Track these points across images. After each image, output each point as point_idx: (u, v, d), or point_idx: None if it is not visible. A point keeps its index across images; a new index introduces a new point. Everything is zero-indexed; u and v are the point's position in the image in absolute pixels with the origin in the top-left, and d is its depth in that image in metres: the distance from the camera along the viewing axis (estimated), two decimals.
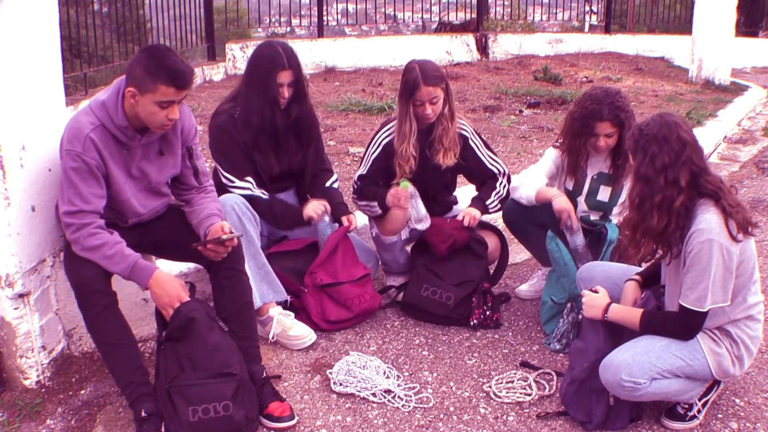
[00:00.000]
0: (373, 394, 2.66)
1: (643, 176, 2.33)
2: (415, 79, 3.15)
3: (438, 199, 3.52)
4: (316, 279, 3.11)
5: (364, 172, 3.38)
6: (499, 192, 3.40)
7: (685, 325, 2.37)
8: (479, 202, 3.36)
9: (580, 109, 3.09)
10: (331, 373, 2.75)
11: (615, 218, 3.20)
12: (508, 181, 3.43)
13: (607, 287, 2.65)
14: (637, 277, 2.65)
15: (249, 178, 3.13)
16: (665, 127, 2.34)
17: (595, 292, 2.59)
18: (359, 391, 2.67)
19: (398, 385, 2.72)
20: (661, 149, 2.31)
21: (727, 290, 2.30)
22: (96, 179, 2.41)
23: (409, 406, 2.62)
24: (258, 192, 3.13)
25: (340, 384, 2.70)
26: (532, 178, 3.22)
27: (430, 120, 3.24)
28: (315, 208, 3.17)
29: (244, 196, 3.05)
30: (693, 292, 2.29)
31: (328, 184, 3.38)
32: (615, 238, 3.09)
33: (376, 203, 3.32)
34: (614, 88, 3.12)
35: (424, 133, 3.30)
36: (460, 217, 3.29)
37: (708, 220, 2.27)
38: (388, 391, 2.68)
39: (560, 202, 3.07)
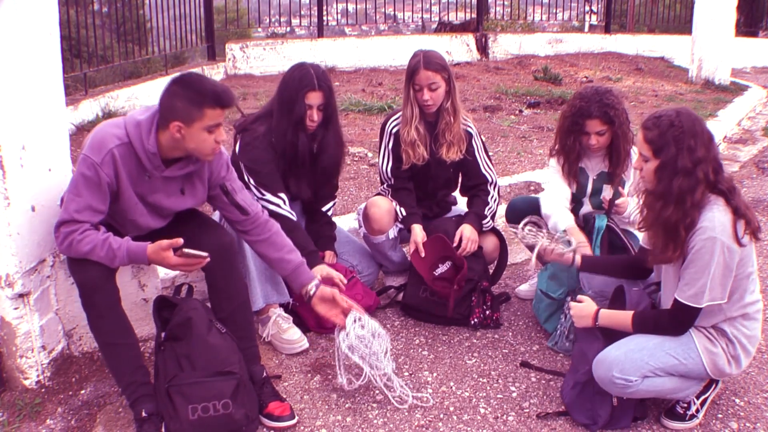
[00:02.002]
0: (375, 375, 2.60)
1: (683, 168, 2.27)
2: (416, 63, 3.19)
3: (438, 198, 3.52)
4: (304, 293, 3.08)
5: (391, 164, 3.36)
6: (491, 207, 3.40)
7: (677, 319, 2.37)
8: (476, 220, 3.33)
9: (570, 108, 3.11)
10: (342, 332, 2.62)
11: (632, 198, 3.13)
12: (498, 192, 3.45)
13: (609, 282, 2.69)
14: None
15: (282, 194, 3.06)
16: (696, 122, 2.31)
17: (579, 301, 2.60)
18: (363, 362, 2.60)
19: (397, 375, 2.70)
20: (696, 143, 2.28)
21: (725, 288, 2.31)
22: (101, 194, 2.37)
23: (405, 403, 2.61)
24: (286, 210, 3.05)
25: (349, 348, 2.60)
26: (560, 207, 3.13)
27: (430, 108, 3.24)
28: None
29: (270, 210, 2.94)
30: (691, 288, 2.29)
31: (325, 208, 3.36)
32: (603, 225, 3.11)
33: (404, 215, 3.33)
34: (605, 87, 3.13)
35: (431, 126, 3.31)
36: (456, 240, 3.23)
37: (712, 218, 2.27)
38: (390, 379, 2.64)
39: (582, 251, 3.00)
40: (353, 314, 2.67)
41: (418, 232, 3.25)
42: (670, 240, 2.34)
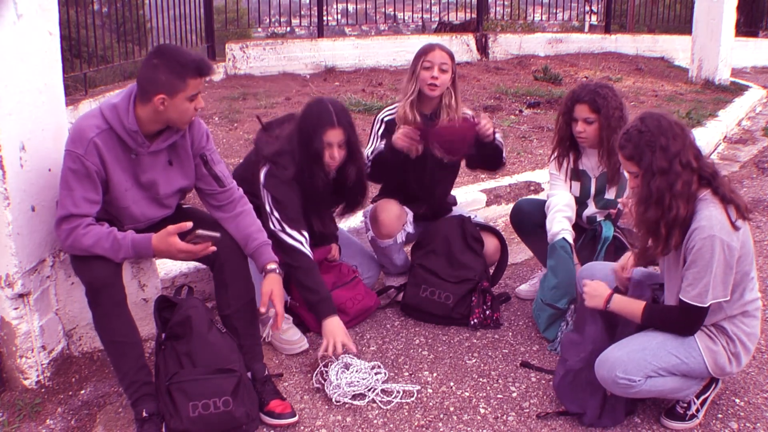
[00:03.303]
0: (375, 393, 2.67)
1: (659, 169, 2.31)
2: (429, 46, 3.22)
3: (437, 195, 3.51)
4: None
5: (375, 147, 3.31)
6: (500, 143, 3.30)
7: (686, 320, 2.37)
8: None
9: (566, 95, 3.16)
10: (330, 387, 2.67)
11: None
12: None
13: (607, 284, 2.67)
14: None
15: (305, 233, 2.91)
16: (661, 119, 2.37)
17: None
18: (363, 391, 2.67)
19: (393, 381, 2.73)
20: (668, 138, 2.32)
21: (727, 285, 2.32)
22: (93, 183, 2.39)
23: (412, 396, 2.62)
24: (306, 249, 2.89)
25: (346, 395, 2.65)
26: (562, 222, 3.14)
27: (434, 90, 3.20)
28: (334, 336, 2.76)
29: (290, 245, 2.85)
30: (694, 288, 2.30)
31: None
32: (610, 236, 3.12)
33: (383, 144, 3.22)
34: (606, 83, 3.18)
35: (427, 119, 3.29)
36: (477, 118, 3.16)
37: (709, 216, 2.29)
38: (388, 392, 2.69)
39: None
40: (336, 365, 2.72)
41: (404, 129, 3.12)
42: (650, 236, 2.38)
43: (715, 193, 2.34)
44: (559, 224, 3.12)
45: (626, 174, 2.93)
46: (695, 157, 2.35)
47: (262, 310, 2.59)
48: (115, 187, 2.45)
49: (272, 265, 2.65)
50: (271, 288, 2.60)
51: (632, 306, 2.48)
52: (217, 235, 2.45)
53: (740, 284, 2.38)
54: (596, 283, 2.60)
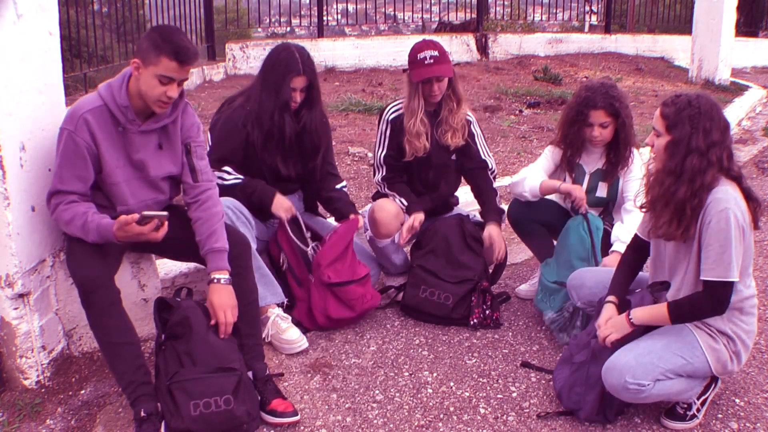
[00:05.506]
0: None
1: (697, 149, 2.29)
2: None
3: (440, 193, 3.51)
4: (323, 276, 3.07)
5: (385, 152, 3.38)
6: (498, 194, 3.47)
7: (715, 298, 2.33)
8: (497, 217, 3.37)
9: (575, 98, 3.14)
10: None
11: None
12: (494, 178, 3.49)
13: (597, 292, 2.68)
14: (613, 299, 2.56)
15: (226, 168, 3.08)
16: (714, 106, 2.35)
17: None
18: None
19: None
20: (712, 125, 2.31)
21: (739, 264, 2.30)
22: (83, 160, 2.43)
23: None
24: (231, 180, 3.08)
25: None
26: (534, 173, 3.24)
27: (436, 98, 3.28)
28: (285, 209, 3.11)
29: (220, 186, 2.94)
30: (719, 264, 2.28)
31: (337, 186, 3.35)
32: (601, 225, 3.16)
33: (405, 205, 3.35)
34: (610, 81, 3.18)
35: (431, 115, 3.32)
36: (487, 244, 3.31)
37: (726, 191, 2.29)
38: None
39: (568, 184, 3.11)
40: None
41: (411, 220, 3.32)
42: (675, 217, 2.35)
43: (739, 186, 2.34)
44: (537, 179, 3.18)
45: (634, 157, 3.12)
46: (728, 157, 2.34)
47: (213, 322, 2.50)
48: (107, 162, 2.49)
49: (218, 275, 2.55)
50: (216, 299, 2.51)
51: (654, 312, 2.43)
52: (164, 214, 2.41)
53: (745, 271, 2.38)
54: (605, 315, 2.51)
